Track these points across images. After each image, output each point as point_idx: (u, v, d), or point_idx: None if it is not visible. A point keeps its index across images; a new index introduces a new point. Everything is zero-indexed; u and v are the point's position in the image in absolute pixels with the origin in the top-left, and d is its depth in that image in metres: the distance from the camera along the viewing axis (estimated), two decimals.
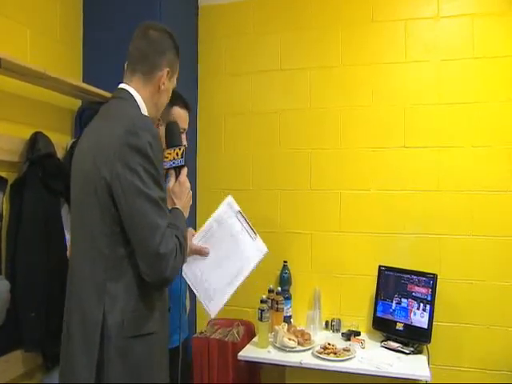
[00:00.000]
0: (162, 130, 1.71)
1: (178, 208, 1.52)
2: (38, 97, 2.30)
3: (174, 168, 1.57)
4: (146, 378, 1.37)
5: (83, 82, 2.55)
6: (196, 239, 1.71)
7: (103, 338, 1.30)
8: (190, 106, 1.91)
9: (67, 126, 2.55)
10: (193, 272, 1.70)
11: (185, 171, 1.58)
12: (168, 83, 1.53)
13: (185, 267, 1.67)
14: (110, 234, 1.33)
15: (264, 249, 1.75)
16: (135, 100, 1.46)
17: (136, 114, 1.42)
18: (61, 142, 2.36)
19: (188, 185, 1.58)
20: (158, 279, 1.33)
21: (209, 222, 1.76)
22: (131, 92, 1.47)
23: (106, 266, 1.34)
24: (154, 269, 1.31)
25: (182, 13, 2.95)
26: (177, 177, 1.58)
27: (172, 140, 1.61)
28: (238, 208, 1.78)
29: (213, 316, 1.73)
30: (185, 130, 1.84)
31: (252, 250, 1.74)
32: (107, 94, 2.37)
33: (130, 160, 1.29)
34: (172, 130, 1.63)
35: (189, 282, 1.70)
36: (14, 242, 2.03)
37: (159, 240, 1.29)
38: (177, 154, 1.56)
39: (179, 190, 1.56)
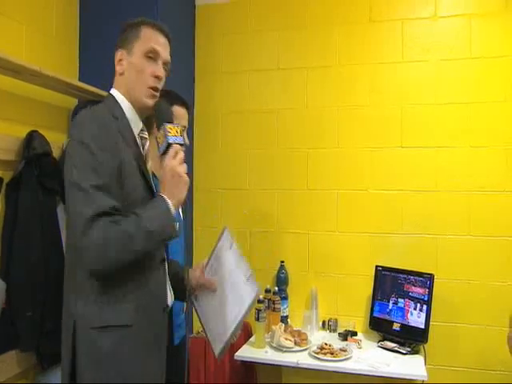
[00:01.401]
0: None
1: (159, 195, 1.40)
2: (34, 95, 2.29)
3: (169, 146, 1.43)
4: (112, 371, 1.32)
5: (79, 80, 2.54)
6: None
7: (74, 330, 1.32)
8: (189, 105, 1.91)
9: (63, 124, 2.53)
10: (202, 310, 1.68)
11: (170, 153, 1.42)
12: (129, 58, 1.46)
13: (196, 303, 1.68)
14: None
15: (256, 289, 1.56)
16: (113, 96, 1.47)
17: (92, 110, 1.41)
18: (56, 140, 2.34)
19: (171, 166, 1.40)
20: (89, 270, 1.30)
21: (210, 257, 1.69)
22: (112, 92, 1.49)
23: (75, 257, 1.35)
24: (82, 261, 1.30)
25: (178, 11, 2.93)
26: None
27: (165, 117, 1.49)
28: (231, 241, 1.64)
29: (219, 359, 1.65)
30: (185, 127, 1.84)
31: (245, 292, 1.56)
32: (103, 93, 2.35)
33: (71, 150, 1.35)
34: (161, 109, 1.52)
35: (199, 317, 1.71)
36: (10, 242, 2.02)
37: (81, 231, 1.24)
38: (177, 132, 1.44)
39: (163, 174, 1.42)
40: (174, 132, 1.43)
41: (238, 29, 3.11)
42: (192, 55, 3.17)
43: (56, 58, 2.49)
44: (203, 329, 1.71)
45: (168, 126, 1.44)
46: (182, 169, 1.41)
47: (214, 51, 3.15)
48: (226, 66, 3.13)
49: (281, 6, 3.03)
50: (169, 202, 1.37)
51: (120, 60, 1.48)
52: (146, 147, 1.52)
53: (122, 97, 1.47)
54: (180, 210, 2.08)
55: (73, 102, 2.56)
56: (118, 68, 1.49)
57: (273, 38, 3.04)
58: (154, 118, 1.54)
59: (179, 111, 1.81)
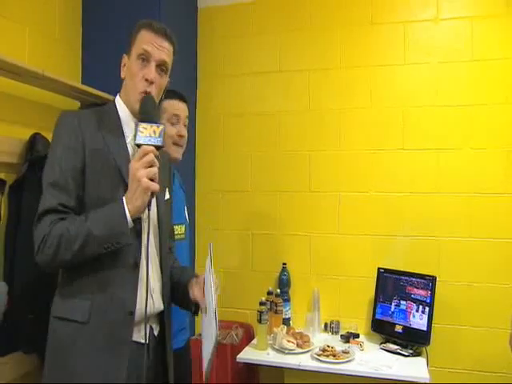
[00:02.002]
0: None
1: (121, 199, 1.32)
2: (37, 98, 2.29)
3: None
4: (62, 362, 1.36)
5: (82, 83, 2.55)
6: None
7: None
8: (185, 97, 1.96)
9: None
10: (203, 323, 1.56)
11: (140, 151, 1.31)
12: (128, 63, 1.49)
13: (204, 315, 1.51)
14: None
15: (214, 333, 1.38)
16: (114, 102, 1.51)
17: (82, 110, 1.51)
18: None
19: (134, 168, 1.30)
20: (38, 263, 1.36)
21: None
22: (116, 97, 1.54)
23: None
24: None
25: (181, 14, 2.94)
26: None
27: (146, 113, 1.40)
28: (209, 263, 1.48)
29: (204, 373, 1.60)
30: (178, 116, 1.92)
31: (211, 328, 1.41)
32: (106, 95, 2.36)
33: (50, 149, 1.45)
34: (144, 103, 1.43)
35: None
36: (13, 244, 2.02)
37: (35, 224, 1.33)
38: (154, 132, 1.32)
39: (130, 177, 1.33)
40: (148, 132, 1.32)
41: (239, 31, 3.12)
42: (194, 57, 3.18)
43: (59, 60, 2.50)
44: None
45: (142, 125, 1.33)
46: (144, 173, 1.29)
47: (216, 54, 3.16)
48: (227, 69, 3.14)
49: (282, 9, 3.04)
50: (125, 206, 1.30)
51: (124, 65, 1.51)
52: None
53: (121, 102, 1.50)
54: (186, 213, 2.09)
55: (75, 105, 2.56)
56: (122, 73, 1.52)
57: (274, 40, 3.05)
58: (140, 110, 1.44)
59: (171, 102, 1.87)
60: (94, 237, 1.29)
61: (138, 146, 1.33)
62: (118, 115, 1.48)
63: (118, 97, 1.53)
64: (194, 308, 1.57)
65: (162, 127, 1.34)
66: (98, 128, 1.42)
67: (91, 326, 1.35)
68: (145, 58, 1.45)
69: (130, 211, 1.31)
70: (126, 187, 1.35)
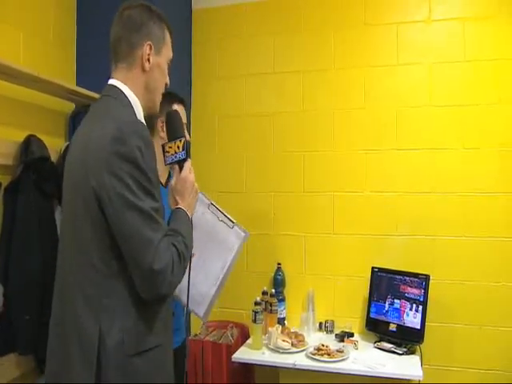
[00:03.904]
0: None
1: (180, 208, 1.39)
2: (32, 100, 2.30)
3: (178, 163, 1.43)
4: None
5: (77, 84, 2.55)
6: None
7: (100, 358, 1.20)
8: (185, 101, 1.95)
9: (61, 129, 2.54)
10: None
11: (187, 165, 1.43)
12: (156, 57, 1.38)
13: None
14: (102, 246, 1.24)
15: (242, 233, 1.67)
16: (124, 94, 1.35)
17: (125, 116, 1.30)
18: (54, 145, 2.35)
19: (191, 179, 1.42)
20: (153, 296, 1.25)
21: None
22: (118, 86, 1.35)
23: (98, 280, 1.24)
24: (148, 285, 1.22)
25: (175, 16, 2.95)
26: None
27: (172, 131, 1.46)
28: (208, 201, 1.71)
29: (204, 320, 1.68)
30: (184, 124, 1.86)
31: (231, 239, 1.67)
32: None
33: (118, 169, 1.20)
34: (171, 120, 1.48)
35: (178, 300, 1.63)
36: (8, 246, 2.02)
37: (152, 256, 1.19)
38: (178, 147, 1.41)
39: (181, 186, 1.41)
40: (173, 149, 1.42)
41: (234, 33, 3.13)
42: (189, 59, 3.19)
43: (53, 63, 2.51)
44: (179, 300, 1.64)
45: (168, 144, 1.43)
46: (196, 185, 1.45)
47: (211, 55, 3.17)
48: (222, 70, 3.15)
49: (276, 11, 3.06)
50: (189, 215, 1.41)
51: (148, 55, 1.37)
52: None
53: (134, 96, 1.37)
54: None
55: (70, 107, 2.57)
56: (145, 63, 1.36)
57: (269, 41, 3.07)
58: (166, 129, 1.50)
59: (178, 108, 1.86)
60: (190, 250, 1.36)
61: (180, 161, 1.42)
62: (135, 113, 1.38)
63: (126, 88, 1.36)
64: None
65: (183, 140, 1.43)
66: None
67: (165, 344, 1.35)
68: (169, 65, 1.47)
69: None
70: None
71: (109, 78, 1.41)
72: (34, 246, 2.06)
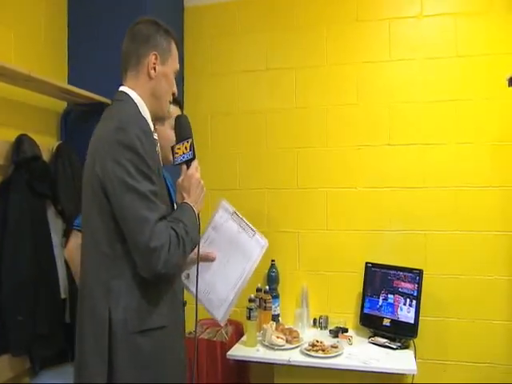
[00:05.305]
0: (163, 129, 1.78)
1: (186, 203, 1.50)
2: (23, 99, 2.29)
3: (186, 162, 1.53)
4: (154, 373, 1.38)
5: (68, 83, 2.54)
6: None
7: (111, 335, 1.33)
8: (180, 103, 2.00)
9: (53, 128, 2.53)
10: (194, 285, 1.65)
11: (194, 164, 1.54)
12: (162, 67, 1.50)
13: (187, 282, 1.68)
14: (107, 231, 1.36)
15: (263, 242, 1.76)
16: (132, 99, 1.47)
17: (128, 111, 1.43)
18: (46, 144, 2.35)
19: (197, 176, 1.54)
20: (150, 273, 1.33)
21: (206, 230, 1.75)
22: (127, 92, 1.48)
23: (107, 264, 1.36)
24: (145, 263, 1.32)
25: (167, 13, 2.94)
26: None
27: (180, 133, 1.55)
28: (232, 209, 1.79)
29: (222, 323, 1.74)
30: None
31: (251, 248, 1.75)
32: (92, 96, 2.37)
33: (119, 156, 1.32)
34: (179, 123, 1.58)
35: (193, 295, 1.68)
36: (0, 246, 2.02)
37: (149, 234, 1.29)
38: (186, 148, 1.52)
39: (188, 183, 1.52)
40: (182, 151, 1.51)
41: (226, 30, 3.12)
42: (181, 56, 3.16)
43: (45, 62, 2.50)
44: (202, 302, 1.72)
45: (176, 146, 1.52)
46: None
47: (203, 52, 3.16)
48: (214, 67, 3.14)
49: (269, 7, 3.05)
50: (196, 210, 1.50)
51: (154, 64, 1.49)
52: (158, 149, 1.53)
53: (141, 100, 1.49)
54: None
55: (62, 106, 2.56)
56: (150, 71, 1.49)
57: (261, 38, 3.06)
58: (175, 131, 1.58)
59: (174, 110, 1.89)
60: (192, 240, 1.44)
61: (188, 161, 1.52)
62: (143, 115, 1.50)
63: (134, 93, 1.48)
64: None
65: (190, 141, 1.52)
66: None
67: (171, 327, 1.43)
68: (175, 76, 1.58)
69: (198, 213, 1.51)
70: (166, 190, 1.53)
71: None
72: (26, 246, 2.05)
